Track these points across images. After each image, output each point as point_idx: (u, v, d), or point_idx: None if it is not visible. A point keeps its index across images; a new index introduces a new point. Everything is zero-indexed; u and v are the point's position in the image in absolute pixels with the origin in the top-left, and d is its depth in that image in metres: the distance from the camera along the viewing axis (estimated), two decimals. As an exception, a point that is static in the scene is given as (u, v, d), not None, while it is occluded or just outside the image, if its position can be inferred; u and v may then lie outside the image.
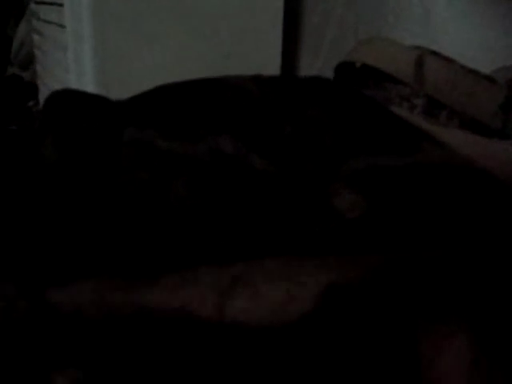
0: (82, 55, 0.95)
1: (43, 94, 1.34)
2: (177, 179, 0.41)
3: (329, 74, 1.09)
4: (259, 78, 0.51)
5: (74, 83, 0.99)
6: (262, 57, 1.08)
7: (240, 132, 0.45)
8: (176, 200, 0.39)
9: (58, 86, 1.12)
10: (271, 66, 1.10)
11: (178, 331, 0.29)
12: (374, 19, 1.04)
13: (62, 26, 1.01)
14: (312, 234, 0.35)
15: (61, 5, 0.98)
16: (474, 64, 0.89)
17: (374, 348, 0.28)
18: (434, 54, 0.67)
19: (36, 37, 1.34)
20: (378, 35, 1.00)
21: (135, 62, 0.94)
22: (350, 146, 0.44)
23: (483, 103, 0.64)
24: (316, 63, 1.22)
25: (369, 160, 0.43)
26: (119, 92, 0.93)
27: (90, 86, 0.95)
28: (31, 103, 1.77)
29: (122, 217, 0.36)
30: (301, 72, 1.26)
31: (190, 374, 0.29)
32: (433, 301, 0.29)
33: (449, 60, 0.67)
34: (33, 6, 1.31)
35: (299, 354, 0.29)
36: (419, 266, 0.31)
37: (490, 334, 0.28)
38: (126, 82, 0.94)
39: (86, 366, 0.31)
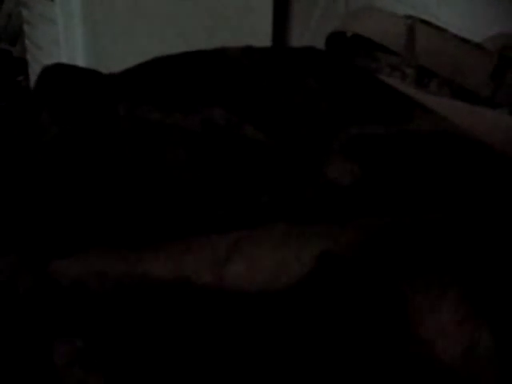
0: (72, 29, 0.94)
1: (33, 69, 1.33)
2: (169, 149, 0.42)
3: (319, 42, 1.09)
4: (251, 49, 0.51)
5: (64, 57, 0.98)
6: (252, 25, 1.07)
7: (233, 103, 0.46)
8: (173, 167, 0.40)
9: (47, 61, 1.12)
10: (262, 34, 1.09)
11: (178, 299, 0.30)
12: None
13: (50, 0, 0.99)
14: (304, 202, 0.36)
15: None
16: (466, 32, 0.89)
17: (364, 309, 0.29)
18: (425, 23, 0.67)
19: (24, 11, 1.32)
20: (369, 4, 1.00)
21: (126, 35, 0.93)
22: (344, 115, 0.45)
23: (473, 72, 0.65)
24: (306, 32, 1.21)
25: (362, 128, 0.43)
26: (110, 65, 0.93)
27: (80, 60, 0.95)
28: (20, 78, 1.76)
29: (121, 187, 0.36)
30: (291, 40, 1.25)
31: (190, 342, 0.30)
32: (424, 259, 0.30)
33: (440, 29, 0.68)
34: None
35: (296, 318, 0.30)
36: (411, 228, 0.32)
37: (481, 292, 0.29)
38: (117, 55, 0.94)
39: (88, 336, 0.32)
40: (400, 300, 0.29)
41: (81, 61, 0.94)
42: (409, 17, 0.69)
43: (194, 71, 0.48)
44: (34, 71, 1.33)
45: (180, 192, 0.37)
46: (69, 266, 0.31)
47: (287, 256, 0.30)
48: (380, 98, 0.46)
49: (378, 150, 0.41)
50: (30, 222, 0.34)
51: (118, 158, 0.39)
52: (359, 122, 0.44)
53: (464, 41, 0.67)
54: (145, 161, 0.39)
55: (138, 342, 0.31)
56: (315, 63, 0.51)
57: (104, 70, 0.92)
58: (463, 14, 0.91)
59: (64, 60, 0.98)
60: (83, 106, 0.43)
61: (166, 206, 0.35)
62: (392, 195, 0.37)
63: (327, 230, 0.31)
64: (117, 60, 0.93)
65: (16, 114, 0.49)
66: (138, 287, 0.30)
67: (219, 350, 0.30)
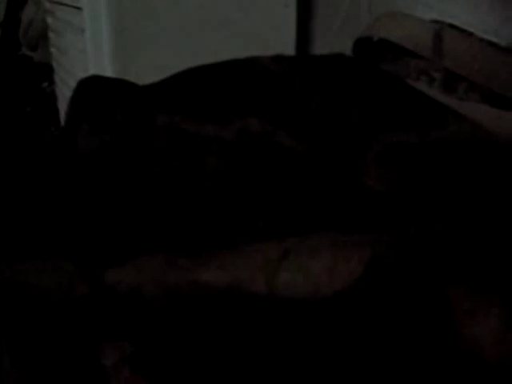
0: (100, 37, 0.96)
1: (59, 76, 1.35)
2: (208, 158, 0.43)
3: (342, 46, 1.09)
4: (281, 57, 0.52)
5: (91, 65, 1.00)
6: (275, 30, 1.08)
7: (266, 112, 0.47)
8: (213, 178, 0.41)
9: (74, 68, 1.13)
10: (285, 38, 1.10)
11: (231, 307, 0.31)
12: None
13: (77, 8, 1.01)
14: (346, 210, 0.37)
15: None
16: (494, 36, 0.89)
17: (411, 313, 0.30)
18: (453, 27, 0.68)
19: (49, 19, 1.34)
20: (392, 8, 1.00)
21: (153, 45, 0.94)
22: (377, 123, 0.45)
23: (503, 76, 0.65)
24: (329, 35, 1.21)
25: (396, 136, 0.44)
26: (137, 73, 0.94)
27: (108, 68, 0.96)
28: (45, 84, 1.78)
29: (167, 198, 0.37)
30: (314, 43, 1.25)
31: (241, 348, 0.31)
32: (467, 272, 0.31)
33: (467, 33, 0.68)
34: None
35: (346, 324, 0.30)
36: (456, 236, 0.32)
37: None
38: (144, 64, 0.95)
39: (137, 341, 0.33)
40: (446, 303, 0.30)
41: (108, 69, 0.95)
42: (436, 21, 0.69)
43: (228, 81, 0.49)
44: (60, 78, 1.35)
45: (227, 200, 0.38)
46: (124, 273, 0.32)
47: (336, 263, 0.30)
48: (412, 104, 0.47)
49: (412, 158, 0.41)
50: (85, 231, 0.35)
51: (161, 169, 0.40)
52: (392, 130, 0.44)
53: (491, 44, 0.67)
54: (187, 172, 0.40)
55: (187, 348, 0.32)
56: (345, 70, 0.52)
57: (131, 78, 0.93)
58: (489, 17, 0.91)
59: (91, 68, 1.00)
60: (122, 117, 0.44)
61: (214, 215, 0.36)
62: (430, 201, 0.38)
63: (374, 238, 0.32)
64: (143, 68, 0.95)
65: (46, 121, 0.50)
66: (192, 294, 0.31)
67: (271, 356, 0.30)
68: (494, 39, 0.73)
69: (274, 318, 0.31)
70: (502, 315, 0.28)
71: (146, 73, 0.91)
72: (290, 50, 1.09)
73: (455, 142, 0.42)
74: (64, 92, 1.27)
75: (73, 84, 1.15)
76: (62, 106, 1.34)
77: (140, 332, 0.32)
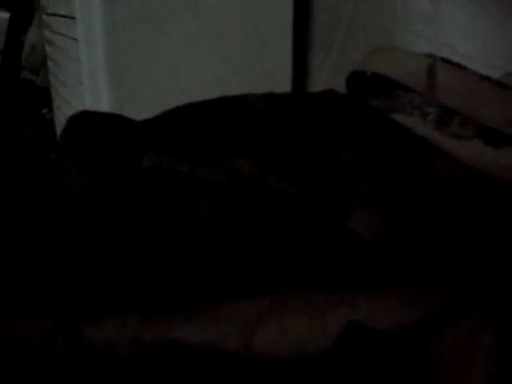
0: (95, 68, 0.96)
1: (56, 104, 1.35)
2: (196, 202, 0.42)
3: (340, 74, 1.10)
4: (272, 95, 0.52)
5: (87, 95, 1.00)
6: (273, 59, 1.08)
7: (256, 153, 0.46)
8: (200, 225, 0.40)
9: (71, 97, 1.14)
10: (283, 68, 1.11)
11: (206, 365, 0.30)
12: (383, 21, 1.04)
13: (74, 39, 1.02)
14: (330, 262, 0.36)
15: (73, 18, 1.00)
16: (487, 64, 0.89)
17: (390, 378, 0.29)
18: (446, 61, 0.67)
19: (48, 48, 1.35)
20: (388, 39, 1.01)
21: (148, 74, 0.95)
22: (366, 165, 0.45)
23: (496, 110, 0.64)
24: (327, 63, 1.22)
25: (385, 178, 0.43)
26: (132, 102, 0.94)
27: (104, 99, 0.96)
28: (45, 110, 1.79)
29: (148, 248, 0.37)
30: (311, 72, 1.26)
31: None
32: (448, 325, 0.30)
33: (461, 67, 0.68)
34: (44, 17, 1.32)
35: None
36: (435, 294, 0.31)
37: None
38: (140, 93, 0.95)
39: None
40: (428, 368, 0.29)
41: (104, 99, 0.96)
42: (429, 55, 0.69)
43: (218, 120, 0.49)
44: (58, 106, 1.36)
45: (208, 252, 0.37)
46: (100, 329, 0.31)
47: (313, 324, 0.30)
48: (402, 146, 0.46)
49: (401, 201, 0.41)
50: (61, 286, 0.34)
51: (141, 214, 0.39)
52: (381, 172, 0.44)
53: (485, 78, 0.67)
54: (172, 219, 0.40)
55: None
56: (336, 109, 0.51)
57: (126, 107, 0.93)
58: (485, 47, 0.91)
59: (87, 97, 1.00)
60: (108, 158, 0.44)
61: (195, 269, 0.35)
62: (416, 250, 0.37)
63: (352, 297, 0.31)
64: (138, 99, 0.95)
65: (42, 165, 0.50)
66: (168, 352, 0.30)
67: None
68: (491, 69, 0.73)
69: (250, 379, 0.30)
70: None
71: (142, 105, 0.92)
72: (286, 80, 1.09)
73: (443, 185, 0.41)
74: (61, 108, 1.28)
75: (69, 112, 1.16)
76: (60, 127, 1.35)
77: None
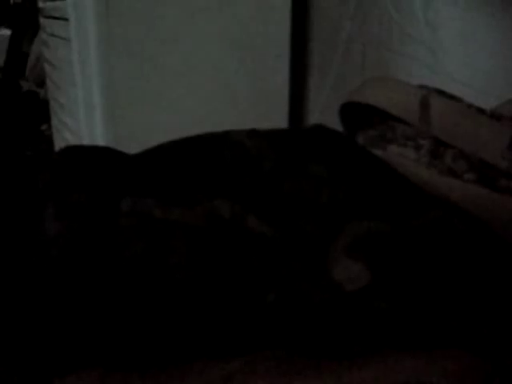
0: (88, 71, 0.96)
1: (53, 108, 1.35)
2: (173, 248, 0.41)
3: (337, 97, 1.09)
4: (257, 132, 0.51)
5: (80, 99, 0.99)
6: (270, 82, 1.08)
7: (237, 194, 0.45)
8: (175, 274, 0.39)
9: (65, 101, 1.13)
10: (280, 90, 1.10)
11: None
12: (380, 45, 1.04)
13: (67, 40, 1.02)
14: (312, 316, 0.35)
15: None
16: (483, 90, 0.88)
17: None
18: (440, 93, 0.66)
19: (46, 51, 1.35)
20: (385, 63, 1.00)
21: (141, 80, 0.95)
22: (350, 209, 0.44)
23: (489, 144, 0.63)
24: (325, 86, 1.21)
25: (369, 224, 0.42)
26: (124, 108, 0.93)
27: (96, 100, 0.95)
28: (44, 127, 1.79)
29: (124, 301, 0.36)
30: (310, 94, 1.25)
31: None
32: None
33: (455, 99, 0.67)
34: (42, 20, 1.31)
35: None
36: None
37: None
38: (131, 101, 0.95)
39: None
40: None
41: (97, 101, 0.95)
42: (423, 86, 0.68)
43: (198, 160, 0.48)
44: (55, 111, 1.35)
45: (183, 306, 0.36)
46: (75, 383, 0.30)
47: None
48: (389, 190, 0.45)
49: (385, 250, 0.40)
50: (33, 340, 0.33)
51: (119, 265, 0.38)
52: (365, 217, 0.42)
53: (479, 110, 0.66)
54: (147, 266, 0.38)
55: None
56: (322, 148, 0.50)
57: (118, 113, 0.93)
58: (483, 74, 0.90)
59: (81, 102, 0.99)
60: (88, 201, 0.43)
61: (168, 326, 0.34)
62: (399, 302, 0.36)
63: (324, 365, 0.30)
64: (131, 106, 0.95)
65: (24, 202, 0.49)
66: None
67: None
68: (488, 96, 0.72)
69: None
70: None
71: (134, 112, 0.92)
72: (284, 103, 1.09)
73: (429, 232, 0.40)
74: (59, 128, 1.27)
75: (66, 119, 1.15)
76: (59, 146, 1.34)
77: None
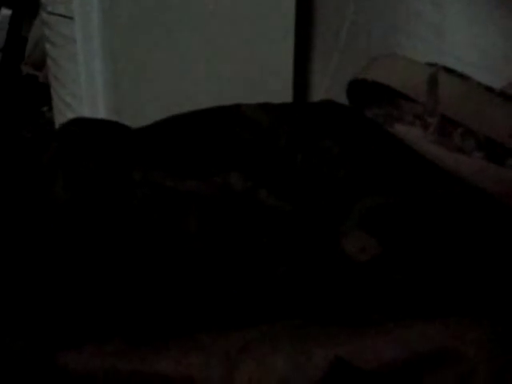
0: (91, 47, 0.95)
1: (56, 104, 1.34)
2: (187, 218, 0.41)
3: (341, 79, 1.08)
4: (268, 106, 0.51)
5: (82, 76, 0.98)
6: (274, 63, 1.07)
7: (249, 167, 0.45)
8: (185, 242, 0.39)
9: (66, 79, 1.12)
10: (284, 71, 1.09)
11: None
12: (385, 27, 1.03)
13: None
14: (322, 286, 0.35)
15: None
16: (491, 71, 0.88)
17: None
18: (448, 71, 0.66)
19: (46, 30, 1.34)
20: (390, 45, 0.99)
21: (144, 55, 0.94)
22: (362, 183, 0.44)
23: (498, 122, 0.63)
24: (329, 68, 1.20)
25: (380, 198, 0.42)
26: (130, 102, 0.93)
27: (98, 78, 0.94)
28: (45, 108, 1.78)
29: (135, 272, 0.35)
30: (314, 76, 1.25)
31: None
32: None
33: (463, 77, 0.66)
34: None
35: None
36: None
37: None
38: (137, 94, 0.95)
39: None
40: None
41: (99, 78, 0.94)
42: (431, 64, 0.68)
43: (210, 132, 0.47)
44: (56, 105, 1.34)
45: (196, 271, 0.36)
46: (76, 357, 0.30)
47: (299, 361, 0.28)
48: (399, 163, 0.45)
49: (396, 222, 0.39)
50: (39, 308, 0.33)
51: (130, 236, 0.38)
52: (378, 191, 0.42)
53: (488, 89, 0.65)
54: (159, 237, 0.38)
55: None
56: (333, 122, 0.50)
57: (120, 90, 0.92)
58: (490, 54, 0.89)
59: (83, 82, 0.99)
60: (97, 172, 0.43)
61: (178, 296, 0.34)
62: (410, 280, 0.36)
63: (343, 332, 0.30)
64: (135, 100, 0.94)
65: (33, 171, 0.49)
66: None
67: None
68: (496, 77, 0.72)
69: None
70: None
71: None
72: (288, 85, 1.08)
73: (439, 205, 0.40)
74: (60, 108, 1.26)
75: (68, 99, 1.14)
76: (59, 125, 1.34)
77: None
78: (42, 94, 1.80)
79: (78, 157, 0.44)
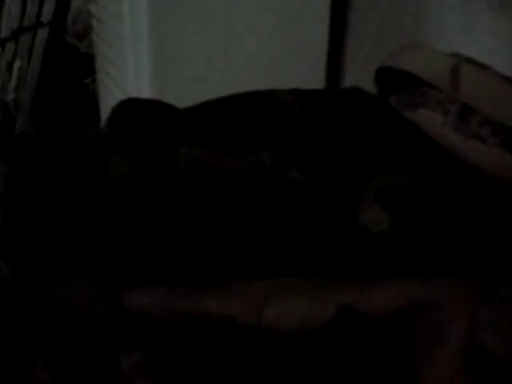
0: (138, 25, 1.00)
1: (100, 63, 1.39)
2: (225, 190, 0.47)
3: (373, 65, 1.13)
4: (299, 91, 0.57)
5: (129, 53, 1.04)
6: (309, 47, 1.11)
7: (280, 147, 0.51)
8: (226, 210, 0.46)
9: (114, 56, 1.18)
10: (318, 54, 1.14)
11: (224, 334, 0.36)
12: (417, 12, 1.06)
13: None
14: (338, 252, 0.41)
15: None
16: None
17: (374, 357, 0.35)
18: (470, 61, 0.70)
19: (94, 7, 1.40)
20: (420, 31, 1.03)
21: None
22: (380, 163, 0.50)
23: (514, 111, 0.67)
24: (362, 49, 1.24)
25: (395, 177, 0.48)
26: (172, 62, 0.98)
27: (145, 57, 1.00)
28: (88, 80, 1.85)
29: (182, 230, 0.43)
30: (347, 57, 1.28)
31: (231, 370, 0.36)
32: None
33: (484, 67, 0.71)
34: None
35: (316, 358, 0.35)
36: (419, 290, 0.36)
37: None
38: (181, 54, 1.00)
39: (148, 352, 0.38)
40: (407, 349, 0.34)
41: (145, 57, 1.00)
42: (455, 55, 0.72)
43: (246, 116, 0.54)
44: (101, 66, 1.40)
45: (234, 234, 0.43)
46: (138, 297, 0.37)
47: (314, 306, 0.35)
48: (414, 148, 0.51)
49: (407, 200, 0.45)
50: (107, 256, 0.40)
51: (182, 197, 0.45)
52: (393, 170, 0.48)
53: (506, 79, 0.70)
54: (205, 202, 0.45)
55: (186, 364, 0.37)
56: (358, 108, 0.56)
57: (167, 67, 0.97)
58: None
59: (129, 57, 1.04)
60: (149, 147, 0.50)
61: (222, 250, 0.41)
62: (419, 246, 0.42)
63: (350, 285, 0.36)
64: (179, 60, 0.99)
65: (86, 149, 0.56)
66: (192, 321, 0.36)
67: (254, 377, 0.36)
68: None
69: (261, 349, 0.36)
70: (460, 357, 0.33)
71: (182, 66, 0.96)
72: (321, 65, 1.12)
73: (447, 187, 0.46)
74: (106, 82, 1.32)
75: (113, 73, 1.20)
76: (104, 100, 1.40)
77: (150, 345, 0.38)
78: (84, 63, 1.87)
79: (131, 136, 0.51)
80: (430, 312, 0.35)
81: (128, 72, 1.08)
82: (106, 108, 1.38)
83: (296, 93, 0.56)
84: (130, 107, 0.56)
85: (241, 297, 0.37)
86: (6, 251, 0.41)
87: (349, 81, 1.21)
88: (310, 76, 1.06)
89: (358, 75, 1.15)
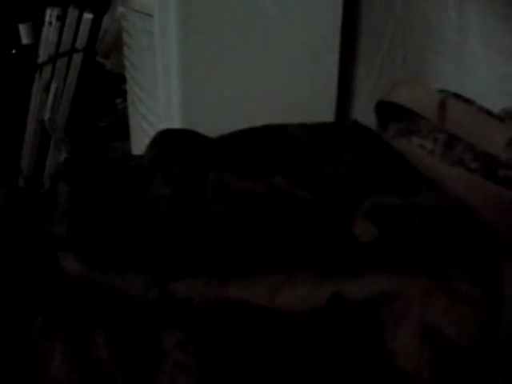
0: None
1: (131, 99, 1.51)
2: (245, 208, 0.60)
3: (381, 87, 1.25)
4: (307, 126, 0.69)
5: (159, 77, 1.13)
6: (320, 68, 1.22)
7: (290, 172, 0.63)
8: (248, 222, 0.58)
9: (146, 84, 1.27)
10: (329, 80, 1.25)
11: (243, 314, 0.48)
12: (419, 39, 1.18)
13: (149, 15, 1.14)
14: (334, 252, 0.53)
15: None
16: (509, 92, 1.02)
17: (353, 335, 0.47)
18: (456, 96, 0.82)
19: (124, 22, 1.46)
20: (423, 61, 1.15)
21: (215, 66, 1.08)
22: (370, 185, 0.62)
23: (493, 140, 0.79)
24: (371, 75, 1.36)
25: (382, 198, 0.60)
26: (201, 87, 1.07)
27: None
28: (118, 101, 1.98)
29: (213, 237, 0.55)
30: (357, 82, 1.40)
31: (250, 346, 0.48)
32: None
33: (468, 102, 0.82)
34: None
35: (315, 332, 0.47)
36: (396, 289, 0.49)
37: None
38: (209, 89, 1.09)
39: (188, 331, 0.51)
40: (378, 327, 0.46)
41: (176, 83, 1.09)
42: (443, 90, 0.84)
43: (262, 146, 0.66)
44: (130, 86, 1.50)
45: (252, 241, 0.55)
46: (182, 286, 0.50)
47: (311, 293, 0.48)
48: (399, 173, 0.62)
49: (391, 216, 0.57)
50: (157, 252, 0.53)
51: (210, 213, 0.58)
52: (380, 192, 0.60)
53: (487, 113, 0.81)
54: (229, 216, 0.58)
55: (219, 342, 0.50)
56: (354, 140, 0.68)
57: (194, 96, 1.06)
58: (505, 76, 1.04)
59: (159, 82, 1.13)
60: (185, 171, 0.62)
61: (241, 252, 0.53)
62: (397, 252, 0.54)
63: (340, 278, 0.49)
64: (207, 91, 1.08)
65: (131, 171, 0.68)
66: (219, 304, 0.49)
67: (270, 350, 0.48)
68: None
69: (273, 326, 0.48)
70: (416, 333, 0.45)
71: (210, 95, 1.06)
72: (332, 90, 1.23)
73: (422, 209, 0.58)
74: (135, 102, 1.42)
75: (144, 97, 1.28)
76: (133, 121, 1.51)
77: (191, 326, 0.50)
78: (111, 82, 1.98)
79: (171, 161, 0.64)
80: (394, 299, 0.47)
81: (158, 97, 1.18)
82: (134, 127, 1.50)
83: (303, 127, 0.69)
84: (168, 137, 0.69)
85: (258, 285, 0.50)
86: (77, 252, 0.54)
87: (359, 101, 1.32)
88: (322, 95, 1.16)
89: (369, 95, 1.25)
